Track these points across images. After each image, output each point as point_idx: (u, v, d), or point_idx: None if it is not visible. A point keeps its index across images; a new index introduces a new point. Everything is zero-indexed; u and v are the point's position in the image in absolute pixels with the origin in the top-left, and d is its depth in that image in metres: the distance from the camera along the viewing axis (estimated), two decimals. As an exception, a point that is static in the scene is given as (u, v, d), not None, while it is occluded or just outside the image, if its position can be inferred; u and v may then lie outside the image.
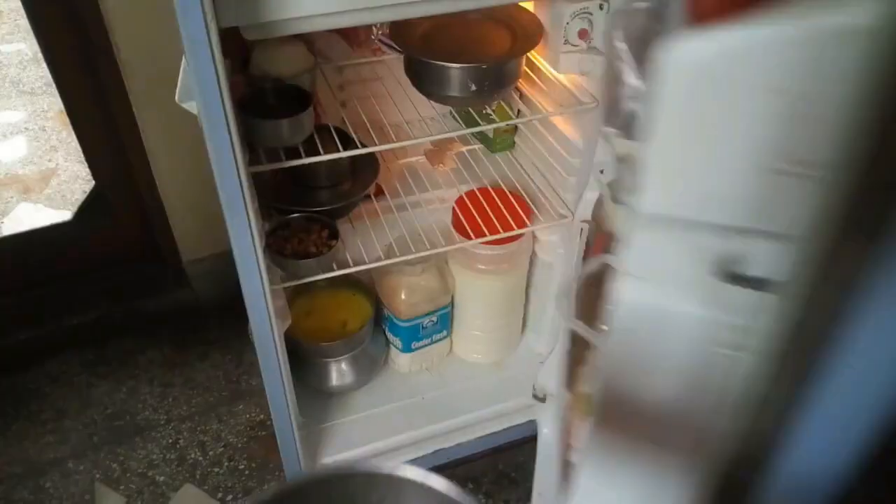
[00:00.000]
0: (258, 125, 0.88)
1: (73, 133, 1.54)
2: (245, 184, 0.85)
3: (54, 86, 1.45)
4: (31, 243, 1.68)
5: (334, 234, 1.06)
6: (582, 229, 1.12)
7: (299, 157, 0.93)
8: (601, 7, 0.95)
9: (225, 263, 1.03)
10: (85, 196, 1.97)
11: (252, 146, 0.93)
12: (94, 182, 1.64)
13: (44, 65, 1.42)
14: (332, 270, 1.05)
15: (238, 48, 0.97)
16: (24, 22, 2.64)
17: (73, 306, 1.70)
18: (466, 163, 1.36)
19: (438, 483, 0.36)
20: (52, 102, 2.43)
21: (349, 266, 1.08)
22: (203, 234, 1.68)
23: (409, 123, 1.34)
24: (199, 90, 0.72)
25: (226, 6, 0.71)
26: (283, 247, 1.02)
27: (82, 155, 1.57)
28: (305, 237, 1.04)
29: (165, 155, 1.52)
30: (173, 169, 1.55)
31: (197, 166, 1.52)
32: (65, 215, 2.02)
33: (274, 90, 0.96)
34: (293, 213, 1.07)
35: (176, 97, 0.91)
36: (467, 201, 1.27)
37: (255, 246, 0.90)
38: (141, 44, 1.34)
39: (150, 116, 1.45)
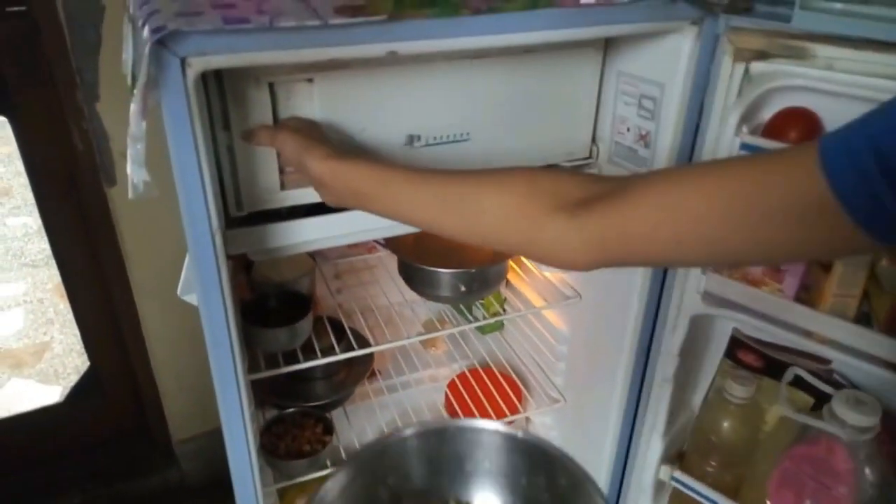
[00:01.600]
0: (258, 333, 0.93)
1: (69, 305, 1.57)
2: (244, 392, 0.87)
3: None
4: (18, 428, 1.66)
5: (328, 429, 1.07)
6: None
7: (297, 361, 0.97)
8: (578, 214, 1.03)
9: (213, 441, 1.01)
10: (77, 371, 1.98)
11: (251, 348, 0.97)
12: (86, 355, 1.66)
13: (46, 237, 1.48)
14: (326, 468, 1.04)
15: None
16: (31, 197, 2.78)
17: (57, 491, 1.65)
18: (457, 343, 1.40)
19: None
20: (52, 275, 2.49)
21: (342, 459, 1.08)
22: (194, 413, 1.67)
23: (401, 305, 1.40)
24: (204, 314, 0.76)
25: (234, 238, 0.77)
26: (276, 445, 1.03)
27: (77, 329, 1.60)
28: (299, 434, 1.05)
29: (161, 337, 1.55)
30: (168, 350, 1.58)
31: (192, 348, 1.55)
32: (56, 391, 2.02)
33: (274, 295, 1.01)
34: (288, 407, 1.08)
35: (178, 291, 0.96)
36: (459, 385, 1.29)
37: (249, 450, 0.91)
38: (145, 237, 1.42)
39: (150, 302, 1.50)
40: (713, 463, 0.96)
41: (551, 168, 0.75)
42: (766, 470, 0.90)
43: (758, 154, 0.52)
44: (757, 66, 0.74)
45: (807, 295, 0.81)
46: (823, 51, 0.69)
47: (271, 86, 0.72)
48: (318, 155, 0.67)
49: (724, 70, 0.76)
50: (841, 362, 0.82)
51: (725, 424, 0.94)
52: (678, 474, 0.98)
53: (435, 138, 0.84)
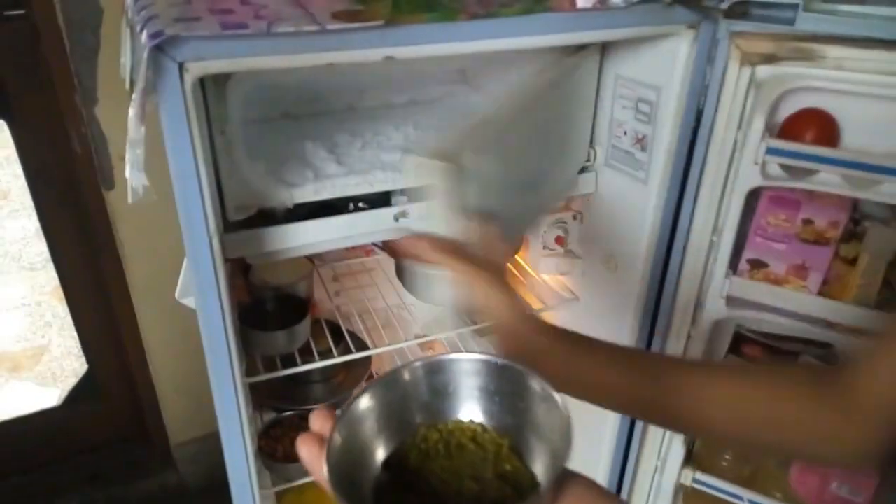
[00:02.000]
0: (256, 337, 0.93)
1: (67, 309, 1.57)
2: (241, 394, 0.87)
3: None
4: (16, 431, 1.66)
5: (326, 432, 1.06)
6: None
7: (295, 364, 0.97)
8: (574, 217, 1.03)
9: (212, 445, 1.01)
10: (75, 374, 1.97)
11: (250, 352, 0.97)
12: (84, 358, 1.66)
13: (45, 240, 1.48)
14: (324, 471, 1.04)
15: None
16: (29, 199, 2.77)
17: (54, 494, 1.65)
18: (455, 346, 1.40)
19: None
20: (50, 278, 2.49)
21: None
22: (192, 416, 1.67)
23: (399, 308, 1.40)
24: (202, 317, 0.76)
25: (232, 242, 0.77)
26: (274, 448, 1.03)
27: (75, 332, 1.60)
28: (297, 436, 1.05)
29: (159, 340, 1.55)
30: (166, 354, 1.58)
31: (190, 351, 1.54)
32: (53, 395, 2.01)
33: (272, 298, 1.01)
34: (286, 410, 1.08)
35: (176, 294, 0.96)
36: (457, 387, 1.29)
37: (247, 453, 0.91)
38: (144, 240, 1.42)
39: (148, 305, 1.50)
40: (727, 457, 0.97)
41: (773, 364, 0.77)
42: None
43: None
44: (764, 70, 0.75)
45: (827, 288, 0.84)
46: (833, 51, 0.71)
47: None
48: (510, 302, 0.57)
49: (730, 74, 0.76)
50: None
51: None
52: (700, 475, 0.98)
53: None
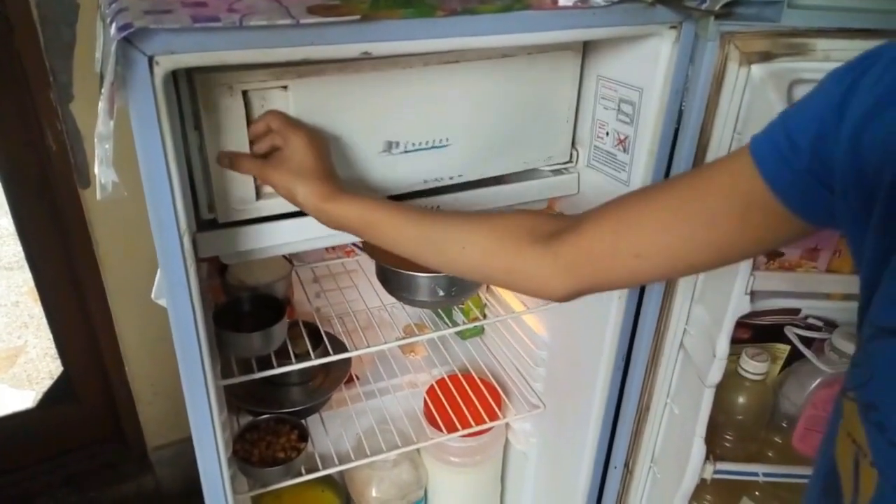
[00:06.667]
0: (230, 338, 0.91)
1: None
2: (214, 397, 0.85)
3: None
4: (-11, 433, 1.63)
5: (303, 436, 1.05)
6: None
7: (271, 366, 0.95)
8: (558, 219, 1.03)
9: (189, 448, 0.99)
10: (51, 375, 1.94)
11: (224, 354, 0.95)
12: (60, 360, 1.63)
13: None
14: (301, 475, 1.03)
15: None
16: (4, 198, 2.73)
17: (29, 498, 1.62)
18: (436, 348, 1.39)
19: None
20: (27, 278, 2.44)
21: (318, 467, 1.06)
22: (169, 419, 1.65)
23: (379, 309, 1.38)
24: (173, 318, 0.74)
25: (205, 241, 0.76)
26: (250, 453, 1.01)
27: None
28: (274, 440, 1.03)
29: (136, 341, 1.53)
30: (143, 355, 1.55)
31: (167, 353, 1.51)
32: (28, 397, 1.98)
33: (249, 298, 0.99)
34: (263, 413, 1.07)
35: (152, 294, 0.94)
36: (438, 391, 1.28)
37: (219, 458, 0.89)
38: (120, 239, 1.39)
39: (124, 306, 1.47)
40: (728, 437, 0.97)
41: (525, 210, 0.85)
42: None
43: (699, 166, 0.57)
44: (759, 68, 0.75)
45: (831, 263, 0.88)
46: (821, 44, 0.74)
47: (245, 94, 0.71)
48: (307, 194, 0.70)
49: (728, 75, 0.76)
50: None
51: (742, 400, 0.95)
52: (720, 465, 0.96)
53: (413, 144, 0.83)
